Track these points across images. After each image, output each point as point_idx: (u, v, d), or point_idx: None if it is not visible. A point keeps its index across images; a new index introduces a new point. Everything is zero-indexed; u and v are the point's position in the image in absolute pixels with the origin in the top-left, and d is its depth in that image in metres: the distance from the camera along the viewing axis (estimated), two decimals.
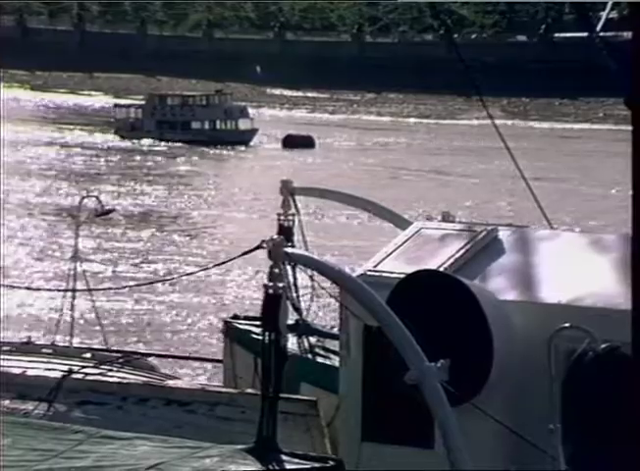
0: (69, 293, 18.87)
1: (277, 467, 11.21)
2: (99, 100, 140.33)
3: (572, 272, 13.43)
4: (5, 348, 16.26)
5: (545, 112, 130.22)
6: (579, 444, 12.04)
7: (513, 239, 13.96)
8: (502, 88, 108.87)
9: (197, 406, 13.55)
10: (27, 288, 43.57)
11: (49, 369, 14.87)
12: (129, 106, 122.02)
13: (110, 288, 42.63)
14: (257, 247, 11.57)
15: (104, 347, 18.78)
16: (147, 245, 61.77)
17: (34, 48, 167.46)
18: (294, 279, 16.47)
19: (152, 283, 45.73)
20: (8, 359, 15.24)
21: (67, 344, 17.43)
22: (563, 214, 54.02)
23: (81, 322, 19.72)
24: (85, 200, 20.07)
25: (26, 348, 16.52)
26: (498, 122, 19.81)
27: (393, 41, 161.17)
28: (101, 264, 53.93)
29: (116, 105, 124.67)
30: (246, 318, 18.37)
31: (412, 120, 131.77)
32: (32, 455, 12.47)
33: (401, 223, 16.98)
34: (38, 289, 43.83)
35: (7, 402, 14.09)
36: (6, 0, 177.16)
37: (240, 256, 12.41)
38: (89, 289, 19.21)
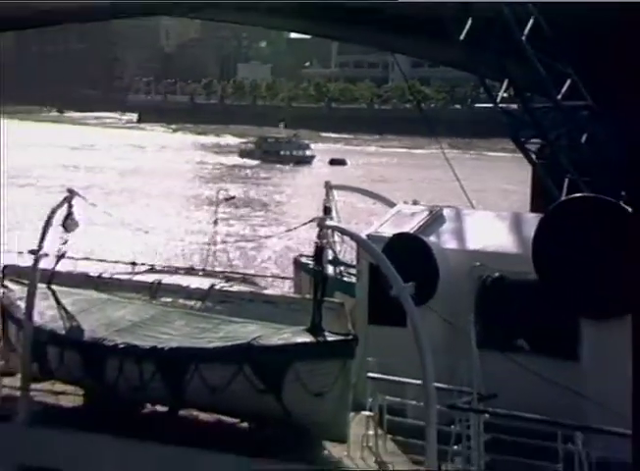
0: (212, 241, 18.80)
1: (322, 339, 11.13)
2: (231, 140, 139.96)
3: (483, 232, 13.10)
4: (180, 271, 16.00)
5: (472, 146, 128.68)
6: (484, 328, 11.88)
7: (452, 214, 13.62)
8: (449, 132, 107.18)
9: (281, 305, 13.13)
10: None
11: (202, 283, 14.44)
12: (247, 143, 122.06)
13: (236, 241, 42.18)
14: (311, 220, 11.45)
15: (230, 271, 18.57)
16: (251, 216, 61.48)
17: (199, 114, 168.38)
18: (333, 236, 16.32)
19: (258, 238, 45.45)
20: (180, 278, 14.97)
21: (211, 269, 17.29)
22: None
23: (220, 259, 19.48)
24: (221, 191, 19.84)
25: (189, 271, 16.15)
26: (446, 150, 19.46)
27: (390, 108, 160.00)
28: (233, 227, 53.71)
29: (241, 143, 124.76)
30: (306, 256, 18.23)
31: (399, 150, 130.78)
32: (195, 330, 12.43)
33: (390, 204, 16.70)
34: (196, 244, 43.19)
35: (181, 301, 13.67)
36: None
37: (302, 225, 12.23)
38: (224, 242, 18.97)
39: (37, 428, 12.12)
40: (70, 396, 12.96)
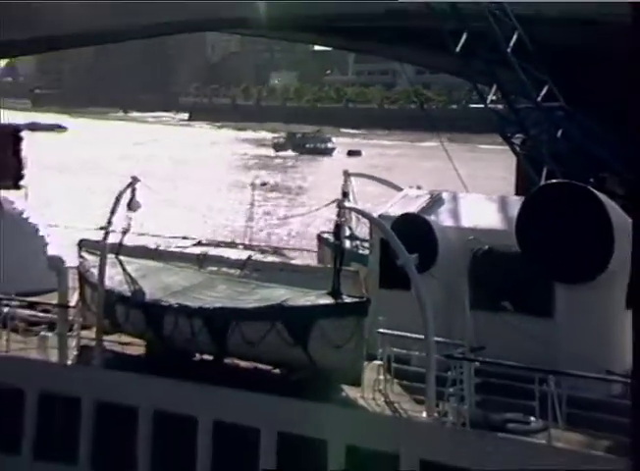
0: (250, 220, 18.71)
1: (340, 301, 11.15)
2: (265, 134, 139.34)
3: (476, 212, 12.99)
4: (222, 245, 15.92)
5: (467, 140, 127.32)
6: (475, 291, 11.78)
7: (450, 197, 13.49)
8: (447, 128, 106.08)
9: (308, 273, 13.10)
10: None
11: (241, 255, 14.42)
12: (279, 137, 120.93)
13: (269, 219, 41.79)
14: (332, 202, 11.45)
15: (264, 244, 18.54)
16: (281, 198, 60.92)
17: (239, 113, 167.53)
18: (350, 216, 16.20)
19: (287, 217, 45.01)
20: (223, 250, 14.90)
21: (248, 243, 17.22)
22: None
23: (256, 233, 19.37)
24: (257, 179, 19.69)
25: (230, 245, 16.13)
26: (445, 144, 19.11)
27: (397, 108, 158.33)
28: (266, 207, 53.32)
29: (274, 137, 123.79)
30: (328, 232, 18.07)
31: (406, 143, 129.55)
32: (235, 293, 12.42)
33: (398, 189, 16.53)
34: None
35: (224, 269, 13.78)
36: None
37: (324, 206, 12.21)
38: (259, 220, 18.85)
39: (110, 371, 12.32)
40: (135, 346, 13.15)
